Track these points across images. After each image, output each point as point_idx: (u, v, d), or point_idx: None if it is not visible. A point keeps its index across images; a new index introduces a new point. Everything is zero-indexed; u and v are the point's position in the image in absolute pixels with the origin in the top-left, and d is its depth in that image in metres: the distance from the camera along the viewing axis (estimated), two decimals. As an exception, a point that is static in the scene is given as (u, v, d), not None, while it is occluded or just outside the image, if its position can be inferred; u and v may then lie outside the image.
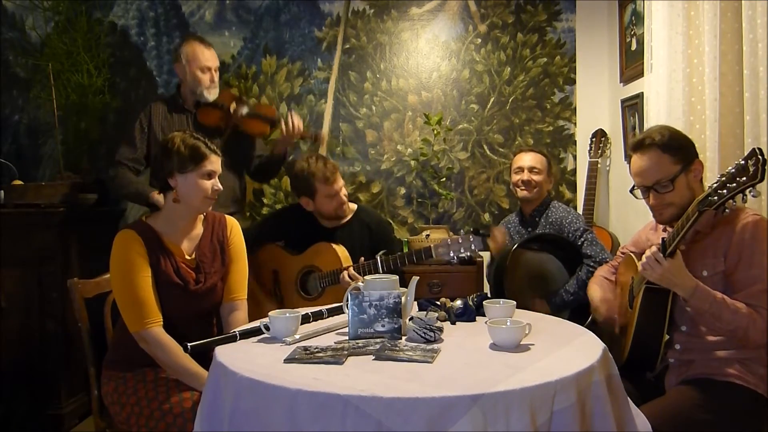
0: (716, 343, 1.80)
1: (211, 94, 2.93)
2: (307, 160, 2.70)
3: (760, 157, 1.49)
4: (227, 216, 2.14)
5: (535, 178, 2.74)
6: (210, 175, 1.97)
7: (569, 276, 2.60)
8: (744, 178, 1.52)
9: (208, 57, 2.92)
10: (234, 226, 2.13)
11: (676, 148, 1.83)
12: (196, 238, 2.04)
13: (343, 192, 2.71)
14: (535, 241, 2.62)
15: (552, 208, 2.75)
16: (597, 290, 2.19)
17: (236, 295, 2.08)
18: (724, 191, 1.56)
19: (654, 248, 1.74)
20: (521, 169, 2.77)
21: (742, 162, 1.54)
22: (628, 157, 1.98)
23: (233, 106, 2.97)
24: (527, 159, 2.78)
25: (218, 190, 1.99)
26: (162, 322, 1.90)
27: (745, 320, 1.69)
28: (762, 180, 1.50)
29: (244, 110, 2.99)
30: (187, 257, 2.00)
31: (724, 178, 1.57)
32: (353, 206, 2.86)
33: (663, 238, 1.75)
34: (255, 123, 3.00)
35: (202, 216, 2.06)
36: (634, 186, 1.92)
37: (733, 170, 1.55)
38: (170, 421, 1.83)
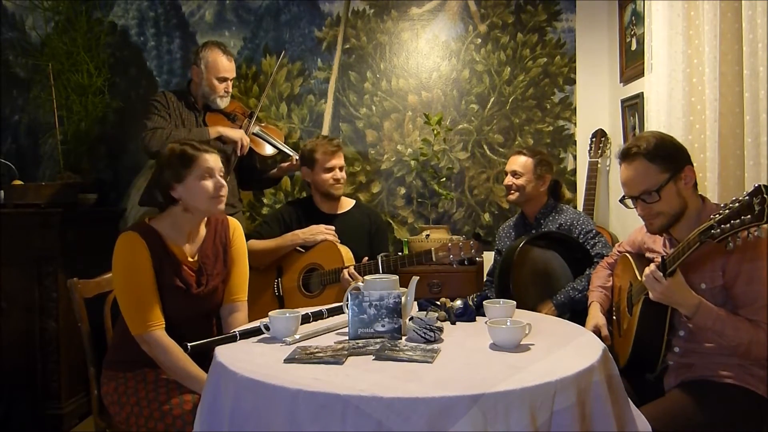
0: (714, 348, 1.79)
1: (223, 102, 3.00)
2: (316, 136, 3.00)
3: (766, 196, 1.42)
4: (230, 218, 2.14)
5: (517, 181, 2.72)
6: (208, 174, 1.93)
7: (573, 276, 2.59)
8: (749, 216, 1.46)
9: (227, 68, 2.96)
10: (236, 228, 2.12)
11: (663, 156, 1.78)
12: (199, 241, 2.03)
13: (341, 173, 2.83)
14: (542, 239, 2.62)
15: (559, 210, 2.74)
16: (601, 277, 2.26)
17: (237, 297, 2.08)
18: (728, 226, 1.51)
19: (653, 266, 1.71)
20: (506, 174, 2.78)
21: (747, 198, 1.47)
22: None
23: (245, 122, 3.03)
24: (511, 162, 2.77)
25: (222, 187, 1.95)
26: (164, 325, 1.89)
27: (747, 336, 1.67)
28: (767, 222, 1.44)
29: (255, 128, 3.05)
30: (190, 260, 1.99)
31: (728, 211, 1.51)
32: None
33: (663, 257, 1.72)
34: (262, 145, 3.08)
35: (205, 218, 2.05)
36: (624, 196, 1.88)
37: (738, 205, 1.49)
38: (170, 422, 1.83)
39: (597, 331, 2.05)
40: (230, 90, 3.00)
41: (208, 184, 1.93)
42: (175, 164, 1.92)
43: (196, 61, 2.96)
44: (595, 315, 2.15)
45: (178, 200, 1.93)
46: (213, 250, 2.04)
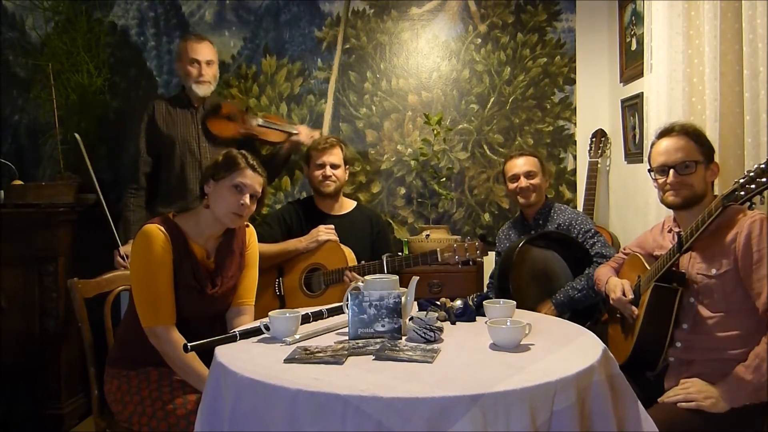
0: (717, 342, 1.81)
1: (201, 89, 2.96)
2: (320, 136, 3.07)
3: None
4: (247, 222, 2.16)
5: (533, 182, 2.69)
6: (239, 189, 1.97)
7: (573, 276, 2.59)
8: None
9: (196, 50, 2.95)
10: (253, 234, 2.17)
11: (702, 143, 1.91)
12: (218, 243, 2.06)
13: (333, 170, 2.84)
14: (541, 239, 2.61)
15: (557, 210, 2.74)
16: (608, 271, 2.26)
17: (244, 300, 2.10)
18: (752, 186, 1.57)
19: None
20: (516, 177, 2.72)
21: None
22: (651, 145, 2.02)
23: (244, 117, 3.07)
24: (520, 164, 2.73)
25: (244, 207, 1.97)
26: (175, 321, 1.91)
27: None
28: None
29: (259, 120, 3.10)
30: (207, 260, 2.02)
31: (752, 174, 1.58)
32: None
33: (679, 233, 1.74)
34: (273, 133, 3.12)
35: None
36: (650, 168, 1.98)
37: (763, 166, 1.56)
38: (173, 421, 1.84)
39: (623, 291, 2.03)
40: (205, 74, 2.96)
41: (234, 197, 1.97)
42: (222, 163, 2.00)
43: (177, 57, 3.03)
44: (617, 280, 2.13)
45: (206, 194, 2.00)
46: (230, 253, 2.06)
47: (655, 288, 1.87)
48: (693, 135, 1.91)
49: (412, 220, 3.59)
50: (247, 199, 1.98)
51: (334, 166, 2.83)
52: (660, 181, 1.93)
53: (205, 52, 2.97)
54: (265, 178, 2.06)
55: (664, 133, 1.95)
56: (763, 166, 1.56)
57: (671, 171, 1.88)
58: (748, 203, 1.61)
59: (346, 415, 1.23)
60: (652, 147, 1.99)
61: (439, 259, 2.40)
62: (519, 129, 3.55)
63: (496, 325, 1.61)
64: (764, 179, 1.55)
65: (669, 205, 1.94)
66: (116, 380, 1.97)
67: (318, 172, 2.83)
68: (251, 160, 2.02)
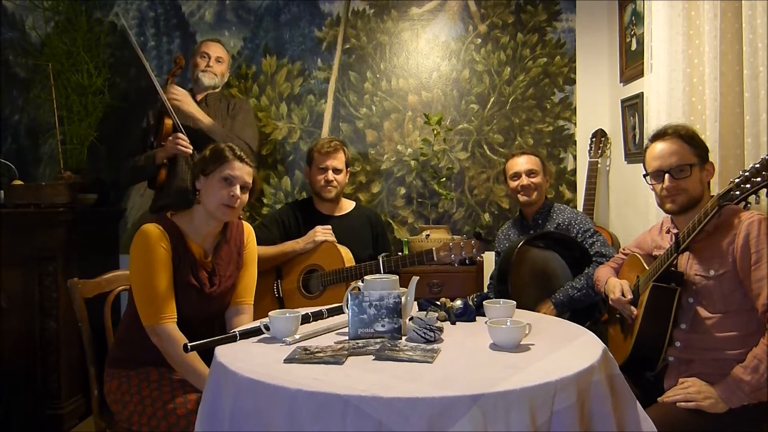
0: (717, 342, 1.81)
1: (206, 76, 3.05)
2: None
3: None
4: (245, 222, 2.18)
5: (534, 180, 2.70)
6: (229, 181, 1.98)
7: (572, 276, 2.59)
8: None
9: (208, 46, 3.10)
10: (251, 233, 2.17)
11: (695, 144, 1.90)
12: (215, 242, 2.06)
13: (335, 175, 2.83)
14: (541, 239, 2.61)
15: (556, 209, 2.74)
16: (608, 271, 2.25)
17: (243, 299, 2.11)
18: (748, 186, 1.57)
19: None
20: (518, 175, 2.73)
21: (766, 157, 1.55)
22: (644, 149, 2.01)
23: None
24: (522, 163, 2.74)
25: (235, 198, 1.98)
26: (176, 319, 1.91)
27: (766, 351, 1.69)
28: None
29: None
30: (205, 260, 2.02)
31: (747, 174, 1.58)
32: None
33: (675, 234, 1.74)
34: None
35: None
36: (646, 173, 1.97)
37: (758, 165, 1.56)
38: (173, 421, 1.84)
39: (622, 291, 2.03)
40: (214, 67, 3.06)
41: (224, 190, 1.97)
42: (209, 158, 2.01)
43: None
44: (616, 280, 2.12)
45: (198, 190, 2.01)
46: (227, 252, 2.07)
47: (654, 288, 1.87)
48: (686, 137, 1.90)
49: (412, 220, 3.59)
50: (237, 191, 1.98)
51: (336, 171, 2.82)
52: (657, 187, 1.92)
53: (216, 49, 3.11)
54: (254, 168, 2.07)
55: (657, 136, 1.94)
56: (758, 165, 1.55)
57: (666, 176, 1.88)
58: (743, 203, 1.61)
59: (346, 414, 1.23)
60: (645, 151, 1.98)
61: (435, 258, 2.39)
62: (519, 129, 3.55)
63: (496, 325, 1.61)
64: (759, 179, 1.55)
65: (668, 212, 1.95)
66: (116, 380, 1.97)
67: (320, 177, 2.82)
68: (238, 152, 2.03)
